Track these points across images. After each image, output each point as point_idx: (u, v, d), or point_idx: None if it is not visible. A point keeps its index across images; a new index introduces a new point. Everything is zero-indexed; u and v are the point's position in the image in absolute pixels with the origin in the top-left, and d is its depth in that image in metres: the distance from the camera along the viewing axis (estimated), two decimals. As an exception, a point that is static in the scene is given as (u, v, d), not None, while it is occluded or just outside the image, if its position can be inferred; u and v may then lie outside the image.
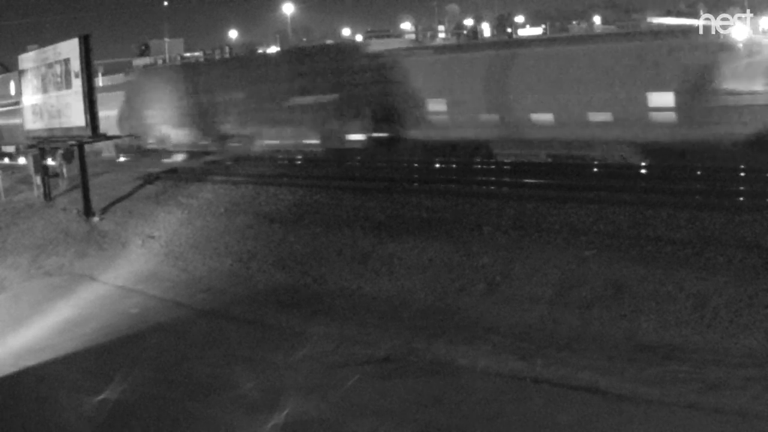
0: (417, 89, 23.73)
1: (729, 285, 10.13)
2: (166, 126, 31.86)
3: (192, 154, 28.65)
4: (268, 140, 27.84)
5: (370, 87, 24.82)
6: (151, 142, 31.92)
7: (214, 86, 30.58)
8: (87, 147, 21.16)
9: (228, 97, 29.68)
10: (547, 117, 21.03)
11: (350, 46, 32.51)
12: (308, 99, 26.71)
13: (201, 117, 30.52)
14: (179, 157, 28.41)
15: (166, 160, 27.70)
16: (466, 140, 22.25)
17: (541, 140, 20.79)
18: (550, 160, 20.51)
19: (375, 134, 24.61)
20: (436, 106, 23.37)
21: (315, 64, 27.30)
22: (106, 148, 32.22)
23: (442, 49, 29.88)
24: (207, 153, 28.23)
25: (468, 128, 22.25)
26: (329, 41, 42.15)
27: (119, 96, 33.83)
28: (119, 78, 42.36)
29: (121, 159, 29.79)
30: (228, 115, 29.62)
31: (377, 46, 28.97)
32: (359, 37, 51.86)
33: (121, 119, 32.89)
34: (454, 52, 26.50)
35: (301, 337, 10.92)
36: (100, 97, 35.03)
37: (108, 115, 32.80)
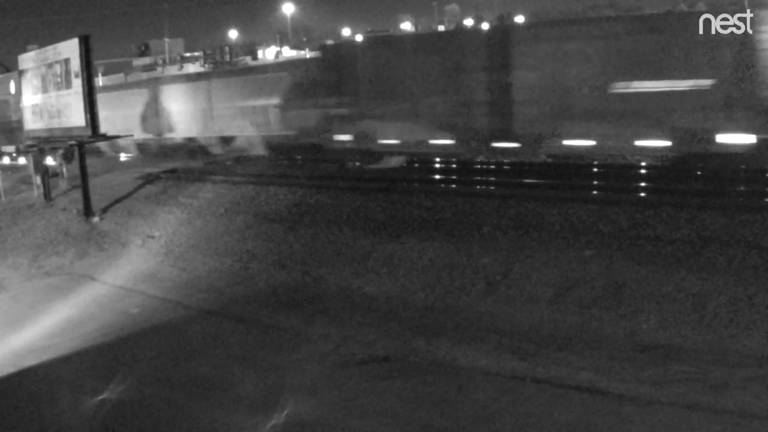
0: None
1: (729, 285, 10.14)
2: (370, 121, 24.60)
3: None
4: (570, 140, 20.57)
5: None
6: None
7: (468, 63, 22.65)
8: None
9: (499, 80, 21.87)
10: None
11: None
12: (653, 84, 19.11)
13: (441, 107, 23.12)
14: (392, 161, 20.82)
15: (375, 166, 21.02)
16: None
17: None
18: None
19: None
20: None
21: (674, 35, 19.03)
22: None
23: None
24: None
25: None
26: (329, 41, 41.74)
27: (298, 78, 26.79)
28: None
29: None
30: (498, 105, 21.88)
31: None
32: (359, 37, 51.63)
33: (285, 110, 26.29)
34: None
35: (301, 337, 10.93)
36: (251, 80, 27.90)
37: (260, 105, 27.21)
